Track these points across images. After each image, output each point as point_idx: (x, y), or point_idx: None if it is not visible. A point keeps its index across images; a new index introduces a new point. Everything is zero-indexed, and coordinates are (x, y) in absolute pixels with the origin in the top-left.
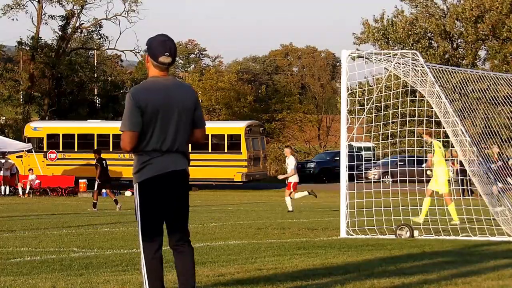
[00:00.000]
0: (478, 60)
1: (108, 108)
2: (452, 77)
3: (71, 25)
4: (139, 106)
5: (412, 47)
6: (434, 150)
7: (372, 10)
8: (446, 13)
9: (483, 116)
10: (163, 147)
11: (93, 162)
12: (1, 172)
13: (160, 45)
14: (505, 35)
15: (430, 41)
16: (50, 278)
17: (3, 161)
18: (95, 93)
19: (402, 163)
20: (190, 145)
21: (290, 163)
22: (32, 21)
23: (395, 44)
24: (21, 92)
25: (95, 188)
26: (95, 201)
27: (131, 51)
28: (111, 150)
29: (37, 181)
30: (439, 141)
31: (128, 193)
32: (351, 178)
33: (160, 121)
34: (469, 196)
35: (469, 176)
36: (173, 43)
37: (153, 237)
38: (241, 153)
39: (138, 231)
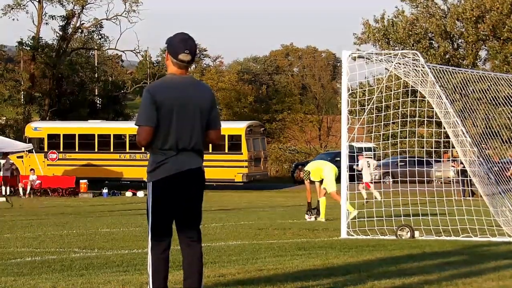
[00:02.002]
0: (478, 60)
1: (109, 109)
2: (452, 78)
3: (71, 25)
4: (154, 102)
5: (412, 48)
6: None
7: (372, 10)
8: (446, 13)
9: (483, 117)
10: (179, 145)
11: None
12: (1, 172)
13: (181, 43)
14: (506, 35)
15: (431, 41)
16: (50, 278)
17: (3, 161)
18: (96, 93)
19: (403, 163)
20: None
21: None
22: (33, 21)
23: (396, 45)
24: (22, 92)
25: None
26: None
27: (131, 51)
28: (111, 150)
29: (38, 181)
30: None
31: (128, 194)
32: (351, 178)
33: (175, 119)
34: (470, 197)
35: (470, 177)
36: (194, 41)
37: (162, 236)
38: (241, 154)
39: (148, 229)
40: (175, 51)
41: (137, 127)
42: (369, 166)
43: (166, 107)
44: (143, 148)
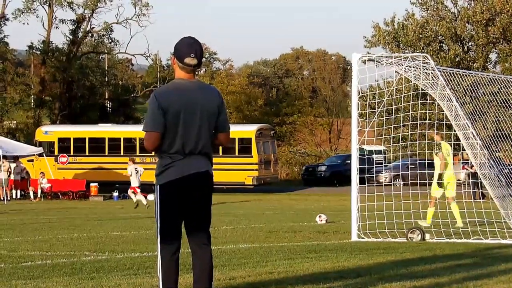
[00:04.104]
0: (489, 63)
1: (119, 112)
2: (463, 80)
3: (82, 29)
4: (161, 107)
5: (422, 50)
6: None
7: (382, 14)
8: (456, 16)
9: (494, 119)
10: (185, 149)
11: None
12: (12, 176)
13: (186, 47)
14: None
15: (441, 44)
16: (61, 281)
17: (14, 165)
18: (106, 97)
19: (413, 166)
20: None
21: None
22: (43, 25)
23: (406, 47)
24: (32, 96)
25: None
26: None
27: (142, 55)
28: (122, 154)
29: (48, 185)
30: (449, 144)
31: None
32: (362, 181)
33: (182, 123)
34: (480, 199)
35: (481, 179)
36: (200, 45)
37: (171, 239)
38: (251, 157)
39: (157, 233)
40: (181, 55)
41: (145, 132)
42: (137, 173)
43: (172, 112)
44: (153, 152)
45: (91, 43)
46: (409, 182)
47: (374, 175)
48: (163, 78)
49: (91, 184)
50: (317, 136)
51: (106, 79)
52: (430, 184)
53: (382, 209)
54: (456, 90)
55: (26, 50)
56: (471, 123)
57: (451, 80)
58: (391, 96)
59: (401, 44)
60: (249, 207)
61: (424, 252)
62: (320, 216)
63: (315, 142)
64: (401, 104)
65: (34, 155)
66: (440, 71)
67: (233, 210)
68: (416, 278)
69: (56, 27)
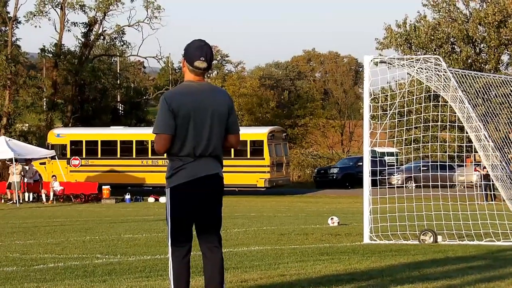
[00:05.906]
0: (501, 65)
1: (131, 115)
2: (475, 82)
3: (94, 32)
4: (171, 109)
5: (434, 52)
6: None
7: (394, 15)
8: (468, 18)
9: (506, 121)
10: (196, 151)
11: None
12: (25, 179)
13: (196, 50)
14: None
15: (453, 46)
16: (73, 284)
17: (26, 167)
18: (118, 100)
19: (426, 168)
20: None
21: None
22: (55, 28)
23: (418, 49)
24: (44, 99)
25: None
26: None
27: (154, 57)
28: (134, 156)
29: (61, 187)
30: None
31: (151, 199)
32: (374, 183)
33: (192, 125)
34: (492, 201)
35: (493, 181)
36: (210, 48)
37: (182, 242)
38: (263, 159)
39: (168, 235)
40: (190, 58)
41: (155, 135)
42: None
43: (182, 114)
44: (165, 154)
45: (103, 45)
46: (421, 184)
47: (386, 177)
48: (175, 80)
49: (103, 187)
50: (329, 138)
51: (118, 81)
52: (442, 186)
53: (394, 211)
54: (468, 92)
55: (38, 53)
56: (483, 125)
57: (463, 82)
58: (403, 98)
59: (413, 46)
60: (261, 209)
61: (436, 254)
62: (332, 219)
63: (327, 144)
64: (413, 106)
65: (46, 158)
66: (452, 73)
67: (245, 212)
68: (428, 280)
69: (68, 30)
